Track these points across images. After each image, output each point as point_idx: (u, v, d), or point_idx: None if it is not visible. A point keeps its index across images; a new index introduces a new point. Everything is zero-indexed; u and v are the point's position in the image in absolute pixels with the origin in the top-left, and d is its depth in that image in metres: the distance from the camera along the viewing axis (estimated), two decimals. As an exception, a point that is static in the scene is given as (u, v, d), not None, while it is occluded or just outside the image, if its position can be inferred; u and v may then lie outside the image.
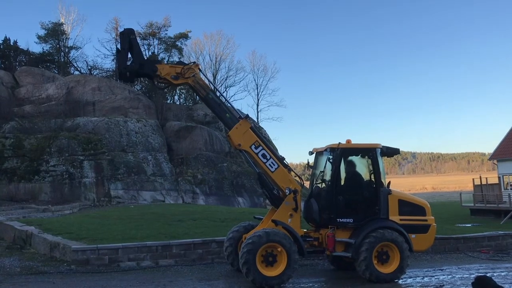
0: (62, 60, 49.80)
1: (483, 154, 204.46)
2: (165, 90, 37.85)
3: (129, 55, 10.80)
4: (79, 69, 49.26)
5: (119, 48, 10.89)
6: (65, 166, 31.17)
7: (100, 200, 30.54)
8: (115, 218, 18.16)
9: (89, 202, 29.90)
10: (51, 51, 49.00)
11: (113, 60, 50.08)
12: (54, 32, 47.88)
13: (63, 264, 11.75)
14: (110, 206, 28.38)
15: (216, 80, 53.08)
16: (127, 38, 10.65)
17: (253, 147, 10.69)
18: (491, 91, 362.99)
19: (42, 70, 43.24)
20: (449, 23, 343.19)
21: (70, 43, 49.99)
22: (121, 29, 12.57)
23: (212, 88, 11.14)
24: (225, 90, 54.38)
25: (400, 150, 11.92)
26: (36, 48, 61.75)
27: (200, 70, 11.01)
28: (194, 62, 11.28)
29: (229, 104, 11.33)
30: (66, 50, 50.16)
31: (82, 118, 35.32)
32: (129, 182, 32.32)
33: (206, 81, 11.08)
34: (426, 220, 10.79)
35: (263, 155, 10.70)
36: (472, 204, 37.86)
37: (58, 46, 49.38)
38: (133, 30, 11.12)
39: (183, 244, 12.49)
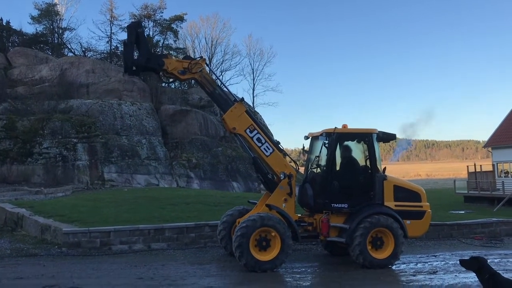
0: (55, 41, 49.20)
1: (478, 142, 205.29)
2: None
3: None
4: (73, 50, 48.77)
5: (126, 41, 10.68)
6: (58, 149, 30.92)
7: (93, 183, 30.38)
8: (108, 201, 18.05)
9: (82, 185, 29.72)
10: (44, 32, 48.38)
11: (107, 42, 49.60)
12: (48, 13, 47.21)
13: (54, 246, 11.66)
14: (103, 189, 28.22)
15: (212, 64, 52.64)
16: (134, 32, 10.46)
17: (248, 131, 10.55)
18: (486, 79, 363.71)
19: (35, 51, 42.72)
20: (444, 10, 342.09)
21: (64, 24, 49.42)
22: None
23: (208, 70, 10.95)
24: (221, 74, 54.03)
25: (396, 136, 11.78)
26: (29, 28, 61.06)
27: (207, 65, 10.87)
28: (201, 57, 11.16)
29: (225, 88, 11.18)
30: (60, 31, 49.56)
31: (75, 100, 34.95)
32: (123, 165, 32.15)
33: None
34: (421, 206, 10.73)
35: (258, 139, 10.57)
36: (466, 191, 37.99)
37: (51, 27, 48.76)
38: (141, 23, 11.11)
39: (176, 228, 12.41)
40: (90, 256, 11.01)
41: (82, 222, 12.94)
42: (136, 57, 10.54)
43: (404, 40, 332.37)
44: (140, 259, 10.85)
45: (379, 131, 10.91)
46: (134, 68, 10.52)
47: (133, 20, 47.01)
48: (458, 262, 10.89)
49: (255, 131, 10.58)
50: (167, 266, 10.02)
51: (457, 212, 26.14)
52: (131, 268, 9.84)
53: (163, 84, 39.42)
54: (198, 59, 10.78)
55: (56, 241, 11.88)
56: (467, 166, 40.16)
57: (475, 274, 6.17)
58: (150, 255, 11.30)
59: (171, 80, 11.30)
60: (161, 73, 10.71)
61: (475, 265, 5.93)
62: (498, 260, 11.41)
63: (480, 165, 39.31)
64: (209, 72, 10.83)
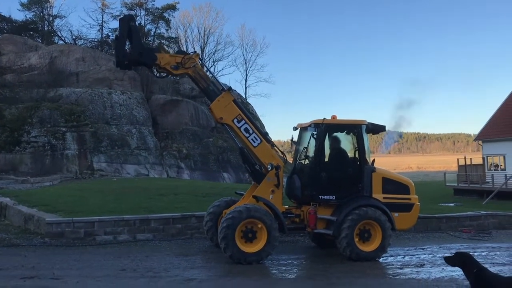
0: (46, 29, 48.55)
1: (469, 135, 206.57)
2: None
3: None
4: (63, 38, 48.13)
5: (118, 34, 10.48)
6: (47, 138, 30.54)
7: (82, 172, 30.08)
8: (95, 191, 17.83)
9: (71, 174, 29.43)
10: (34, 19, 47.76)
11: (98, 30, 49.04)
12: (38, 0, 46.44)
13: (37, 236, 11.44)
14: (92, 179, 27.98)
15: (204, 54, 52.29)
16: (127, 25, 10.23)
17: (235, 121, 10.38)
18: (478, 73, 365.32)
19: (25, 38, 42.06)
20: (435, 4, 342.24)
21: (54, 11, 48.76)
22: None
23: (200, 63, 10.72)
24: (213, 64, 53.67)
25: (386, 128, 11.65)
26: (19, 15, 60.26)
27: (200, 60, 10.69)
28: (195, 52, 11.00)
29: (214, 78, 11.02)
30: (50, 19, 48.94)
31: (65, 89, 34.51)
32: (112, 155, 31.83)
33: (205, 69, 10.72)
34: (409, 199, 10.62)
35: (246, 130, 10.40)
36: (456, 184, 38.15)
37: (41, 14, 48.12)
38: (134, 16, 10.96)
39: (162, 219, 12.23)
40: (73, 247, 10.81)
41: (66, 212, 12.72)
42: (128, 51, 10.33)
43: (398, 33, 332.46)
44: (124, 250, 10.67)
45: (368, 123, 10.77)
46: (125, 62, 10.32)
47: (124, 10, 46.60)
48: (446, 255, 10.87)
49: (243, 121, 10.40)
50: (151, 258, 9.86)
51: (446, 204, 26.23)
52: (115, 259, 9.67)
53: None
54: (192, 54, 10.59)
55: (39, 231, 11.67)
56: (458, 159, 40.32)
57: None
58: (135, 246, 11.13)
59: (164, 74, 11.08)
60: (153, 68, 10.52)
61: (460, 260, 5.83)
62: (485, 253, 11.37)
63: (471, 158, 39.48)
64: (202, 66, 10.61)
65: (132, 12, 46.98)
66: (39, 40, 45.75)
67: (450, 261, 5.96)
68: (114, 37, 10.82)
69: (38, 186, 22.09)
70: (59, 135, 30.86)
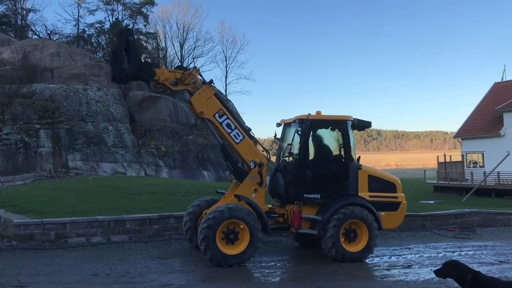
0: (19, 23, 47.05)
1: (446, 133, 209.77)
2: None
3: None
4: (37, 33, 46.67)
5: (115, 49, 10.03)
6: (19, 135, 29.39)
7: (57, 171, 29.08)
8: (68, 190, 17.06)
9: (45, 173, 28.42)
10: (6, 12, 46.19)
11: (74, 25, 47.74)
12: (10, -7, 44.97)
13: (4, 239, 10.72)
14: (67, 178, 27.05)
15: (184, 50, 51.55)
16: (124, 39, 9.70)
17: (217, 115, 9.93)
18: (454, 70, 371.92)
19: (-4, 32, 40.70)
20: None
21: (28, 5, 47.21)
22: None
23: (201, 80, 10.23)
24: (193, 61, 52.81)
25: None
26: (-10, 9, 58.39)
27: (200, 75, 10.23)
28: (195, 67, 10.62)
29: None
30: (24, 13, 47.40)
31: (39, 85, 33.35)
32: (88, 153, 30.88)
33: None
34: (396, 198, 10.31)
35: (228, 125, 9.97)
36: (436, 181, 38.33)
37: (14, 7, 46.57)
38: (132, 30, 10.41)
39: (138, 219, 11.65)
40: (43, 250, 10.16)
41: (36, 212, 12.01)
42: (125, 66, 9.79)
43: (375, 30, 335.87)
44: (97, 253, 10.07)
45: (354, 119, 10.42)
46: (123, 77, 9.84)
47: (101, 4, 45.49)
48: (433, 255, 10.59)
49: (225, 116, 9.96)
50: (126, 261, 9.29)
51: (426, 202, 26.18)
52: (87, 263, 9.07)
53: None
54: (192, 69, 10.21)
55: (6, 234, 10.96)
56: (437, 157, 40.53)
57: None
58: (109, 249, 10.53)
59: (162, 90, 10.56)
60: (151, 84, 10.00)
61: (454, 270, 5.45)
62: (472, 252, 11.13)
63: (450, 156, 39.74)
64: (203, 82, 10.12)
65: (109, 7, 45.93)
66: (12, 34, 44.28)
67: (441, 273, 5.55)
68: (111, 52, 10.33)
69: (9, 186, 21.17)
70: (33, 133, 29.77)
